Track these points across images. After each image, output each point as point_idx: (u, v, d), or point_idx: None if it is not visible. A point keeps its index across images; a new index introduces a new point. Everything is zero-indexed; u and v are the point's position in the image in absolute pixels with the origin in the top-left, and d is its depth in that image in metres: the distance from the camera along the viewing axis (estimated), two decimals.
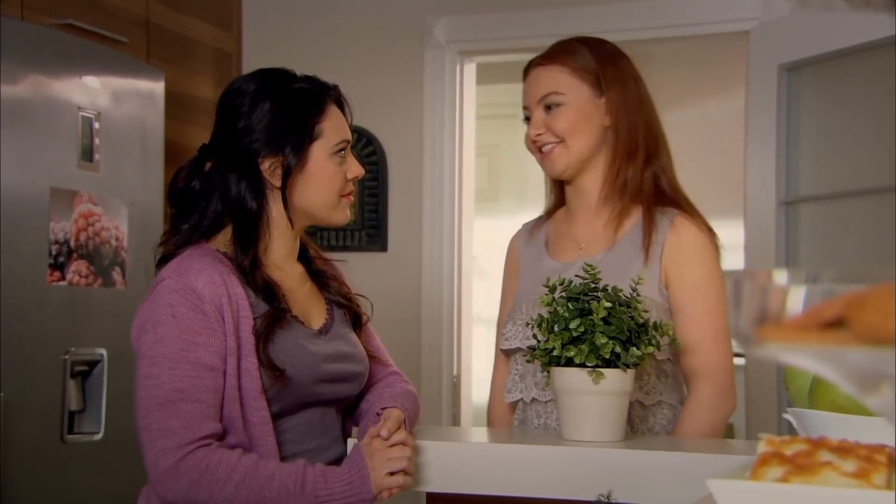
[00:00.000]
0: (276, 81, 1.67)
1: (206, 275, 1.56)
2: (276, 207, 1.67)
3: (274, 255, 1.69)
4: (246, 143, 1.64)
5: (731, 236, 4.45)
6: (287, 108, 1.65)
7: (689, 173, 5.21)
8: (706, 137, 4.81)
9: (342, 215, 1.71)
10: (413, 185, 3.58)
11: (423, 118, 3.54)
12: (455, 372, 3.61)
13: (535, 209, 4.91)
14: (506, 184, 5.00)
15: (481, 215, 4.39)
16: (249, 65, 3.62)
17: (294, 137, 1.64)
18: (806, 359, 0.41)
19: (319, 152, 1.67)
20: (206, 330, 1.54)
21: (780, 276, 0.42)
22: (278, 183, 1.65)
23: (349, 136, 1.72)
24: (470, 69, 3.64)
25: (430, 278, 3.55)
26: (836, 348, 0.38)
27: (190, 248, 1.64)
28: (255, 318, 1.59)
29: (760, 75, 3.06)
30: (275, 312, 1.60)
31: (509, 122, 5.06)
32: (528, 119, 1.93)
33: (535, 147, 1.93)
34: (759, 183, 3.08)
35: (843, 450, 0.74)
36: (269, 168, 1.65)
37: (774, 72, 3.00)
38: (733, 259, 4.27)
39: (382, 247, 3.61)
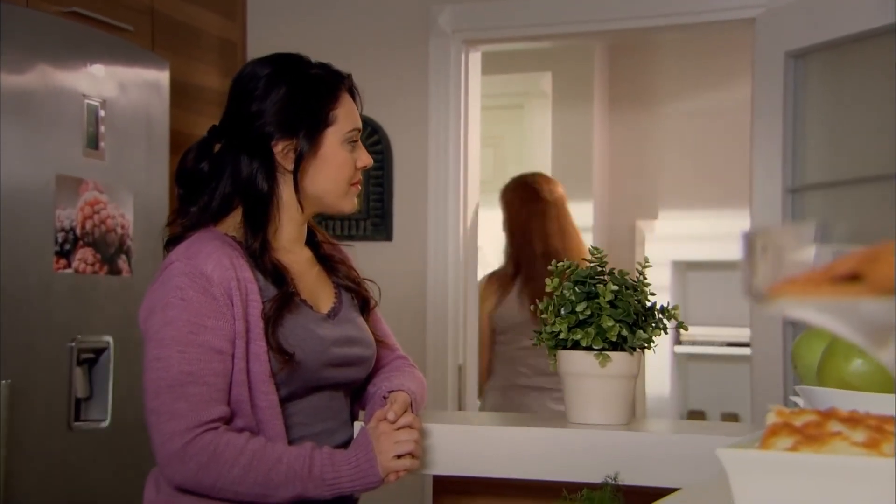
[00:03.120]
0: (291, 66, 1.68)
1: (215, 258, 1.57)
2: (286, 191, 1.67)
3: (283, 239, 1.69)
4: (259, 125, 1.65)
5: (737, 226, 4.47)
6: (302, 93, 1.65)
7: (695, 163, 5.24)
8: (712, 126, 4.80)
9: (350, 203, 1.71)
10: (418, 174, 3.57)
11: (427, 107, 3.54)
12: (461, 360, 3.61)
13: None
14: (511, 175, 4.99)
15: (486, 206, 4.39)
16: (254, 54, 3.60)
17: (309, 122, 1.65)
18: (818, 312, 0.41)
19: (332, 139, 1.67)
20: (214, 313, 1.54)
21: (794, 232, 0.42)
22: (290, 167, 1.65)
23: (360, 124, 1.73)
24: (475, 58, 3.64)
25: (436, 268, 3.54)
26: (849, 300, 0.38)
27: (199, 231, 1.64)
28: (263, 302, 1.59)
29: (767, 62, 3.05)
30: (283, 296, 1.60)
31: (514, 113, 5.06)
32: None
33: None
34: (766, 170, 3.07)
35: (853, 420, 0.74)
36: (282, 151, 1.65)
37: (781, 59, 2.99)
38: (738, 249, 4.28)
39: (387, 236, 3.61)
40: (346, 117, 1.69)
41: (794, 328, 3.04)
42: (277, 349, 1.57)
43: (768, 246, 0.43)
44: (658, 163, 4.93)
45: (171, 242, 1.66)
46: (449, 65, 3.51)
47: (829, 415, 0.75)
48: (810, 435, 0.73)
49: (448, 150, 3.53)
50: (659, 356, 4.73)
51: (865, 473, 0.67)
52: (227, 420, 1.55)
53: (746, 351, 4.04)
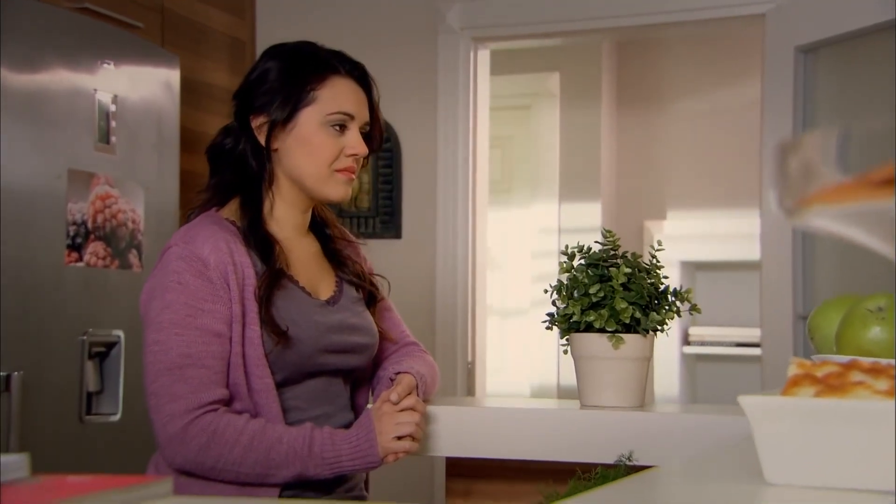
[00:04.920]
0: (294, 48, 1.68)
1: (212, 242, 1.57)
2: (274, 170, 1.67)
3: (281, 224, 1.68)
4: (244, 99, 1.66)
5: (746, 226, 4.47)
6: (285, 71, 1.65)
7: (703, 163, 5.22)
8: (721, 126, 4.80)
9: (336, 191, 1.66)
10: (427, 171, 3.58)
11: (436, 104, 3.54)
12: (469, 359, 3.60)
13: (548, 201, 4.94)
14: (519, 175, 5.00)
15: (494, 206, 4.39)
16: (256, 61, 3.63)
17: (282, 96, 1.64)
18: (848, 220, 0.41)
19: (310, 118, 1.64)
20: (211, 297, 1.55)
21: (822, 144, 0.42)
22: (265, 141, 1.66)
23: (352, 110, 1.66)
24: (484, 55, 3.64)
25: (445, 266, 3.55)
26: (884, 203, 0.38)
27: (201, 216, 1.65)
28: (258, 286, 1.60)
29: (777, 58, 3.05)
30: (272, 273, 1.60)
31: (522, 113, 5.07)
32: None
33: None
34: None
35: (876, 370, 0.74)
36: (258, 126, 1.66)
37: (791, 54, 2.99)
38: (749, 248, 4.26)
39: (397, 234, 3.61)
40: (330, 99, 1.65)
41: (804, 322, 3.03)
42: (270, 323, 1.57)
43: (798, 160, 0.43)
44: (666, 163, 4.93)
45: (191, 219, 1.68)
46: (458, 62, 3.52)
47: (851, 366, 0.75)
48: (832, 385, 0.73)
49: (457, 147, 3.53)
50: (667, 357, 4.73)
51: (887, 417, 0.67)
52: (227, 402, 1.56)
53: (756, 351, 4.02)
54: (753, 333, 4.39)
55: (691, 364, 4.94)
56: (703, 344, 4.85)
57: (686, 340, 4.86)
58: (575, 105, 4.84)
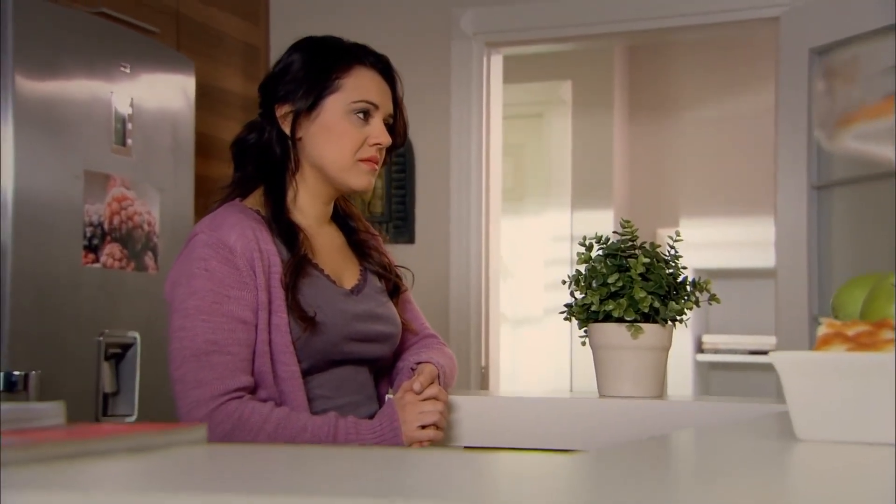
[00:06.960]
0: (319, 40, 1.70)
1: (238, 230, 1.58)
2: (297, 158, 1.68)
3: (305, 214, 1.69)
4: (270, 89, 1.67)
5: (759, 233, 4.46)
6: (311, 60, 1.67)
7: (715, 170, 5.21)
8: (733, 133, 4.80)
9: (359, 180, 1.67)
10: (440, 176, 3.58)
11: (449, 109, 3.55)
12: (483, 364, 3.60)
13: (560, 209, 4.93)
14: (531, 183, 5.00)
15: (506, 214, 4.39)
16: (277, 59, 3.64)
17: (307, 85, 1.65)
18: (885, 133, 0.41)
19: (334, 106, 1.66)
20: (238, 284, 1.56)
21: (864, 66, 0.42)
22: (290, 130, 1.67)
23: (376, 100, 1.68)
24: (497, 60, 3.65)
25: (458, 272, 3.55)
26: None
27: (225, 205, 1.66)
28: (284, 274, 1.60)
29: (791, 60, 3.05)
30: (297, 261, 1.61)
31: (534, 121, 5.08)
32: None
33: None
34: (791, 167, 3.07)
35: None
36: (283, 115, 1.67)
37: (805, 56, 2.99)
38: (763, 255, 4.26)
39: (410, 239, 3.61)
40: (354, 88, 1.66)
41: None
42: (297, 309, 1.57)
43: (839, 84, 0.43)
44: (679, 170, 4.93)
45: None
46: (471, 67, 3.53)
47: (881, 325, 0.75)
48: (863, 343, 0.73)
49: (470, 152, 3.54)
50: (681, 364, 4.71)
51: None
52: (252, 390, 1.56)
53: (766, 359, 4.00)
54: (767, 341, 4.37)
55: (704, 372, 4.92)
56: (716, 352, 4.84)
57: (699, 348, 4.85)
58: (587, 113, 4.85)
